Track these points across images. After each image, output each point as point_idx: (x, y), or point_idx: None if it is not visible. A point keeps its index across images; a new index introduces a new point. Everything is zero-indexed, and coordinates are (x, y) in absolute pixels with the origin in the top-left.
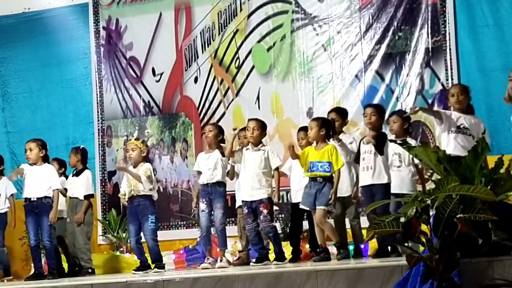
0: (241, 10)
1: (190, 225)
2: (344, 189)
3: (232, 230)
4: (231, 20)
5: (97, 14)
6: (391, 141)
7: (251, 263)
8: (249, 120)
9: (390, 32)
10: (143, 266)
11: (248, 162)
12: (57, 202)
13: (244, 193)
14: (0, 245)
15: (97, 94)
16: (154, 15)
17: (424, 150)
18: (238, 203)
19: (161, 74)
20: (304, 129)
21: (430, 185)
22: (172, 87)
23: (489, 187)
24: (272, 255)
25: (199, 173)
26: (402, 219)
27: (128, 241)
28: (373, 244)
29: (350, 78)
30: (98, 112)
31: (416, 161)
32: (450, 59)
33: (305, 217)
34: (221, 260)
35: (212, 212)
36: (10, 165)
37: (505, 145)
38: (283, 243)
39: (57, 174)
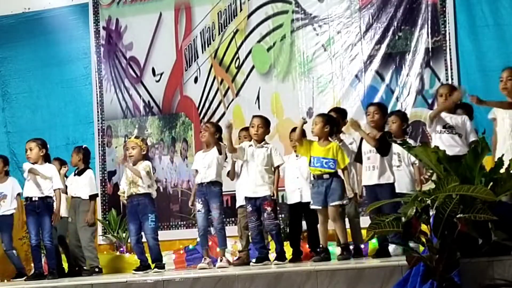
0: (241, 10)
1: (190, 225)
2: None
3: (232, 230)
4: (231, 20)
5: (97, 14)
6: (391, 140)
7: (251, 263)
8: (254, 117)
9: (390, 32)
10: (143, 266)
11: (251, 158)
12: (59, 202)
13: (247, 190)
14: (9, 248)
15: (97, 94)
16: (154, 15)
17: (424, 150)
18: (239, 203)
19: (161, 74)
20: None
21: (430, 185)
22: (172, 87)
23: (489, 187)
24: (272, 255)
25: (197, 171)
26: (402, 219)
27: (128, 241)
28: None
29: (350, 78)
30: (98, 112)
31: (412, 159)
32: (450, 59)
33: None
34: (221, 260)
35: (210, 212)
36: (10, 165)
37: None
38: (284, 243)
39: (58, 173)
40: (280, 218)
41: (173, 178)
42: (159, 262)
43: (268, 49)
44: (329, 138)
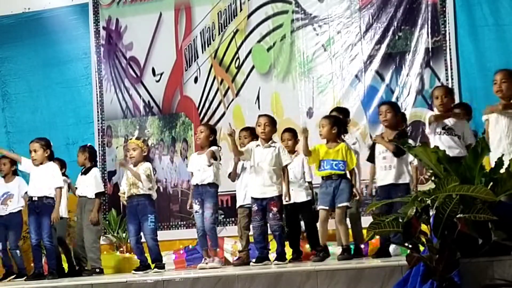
0: (241, 10)
1: (190, 225)
2: None
3: (232, 230)
4: (231, 20)
5: (97, 14)
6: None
7: (251, 263)
8: (260, 116)
9: (390, 32)
10: (143, 266)
11: (259, 159)
12: (59, 201)
13: (254, 191)
14: (14, 247)
15: (97, 94)
16: (154, 15)
17: (424, 150)
18: (239, 203)
19: (161, 74)
20: (289, 130)
21: (430, 185)
22: (172, 87)
23: (489, 187)
24: (272, 255)
25: (192, 173)
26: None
27: (128, 241)
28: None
29: (350, 78)
30: (98, 112)
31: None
32: (450, 59)
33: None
34: (213, 260)
35: None
36: None
37: None
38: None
39: (59, 172)
40: None
41: (173, 178)
42: (159, 262)
43: (268, 49)
44: (337, 140)
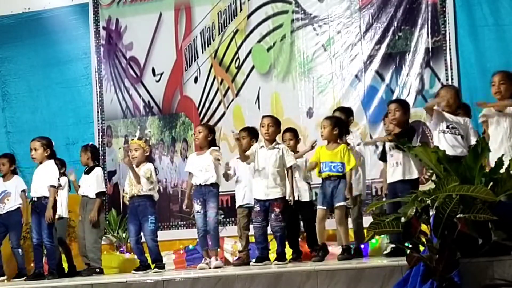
0: (241, 10)
1: (190, 225)
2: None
3: (232, 230)
4: (231, 20)
5: (97, 14)
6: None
7: (251, 263)
8: (264, 117)
9: (390, 32)
10: (143, 266)
11: (262, 160)
12: (52, 200)
13: (258, 192)
14: (15, 246)
15: (97, 94)
16: (154, 15)
17: (424, 150)
18: (238, 203)
19: (161, 74)
20: (290, 130)
21: (430, 185)
22: (172, 87)
23: (489, 187)
24: (272, 255)
25: (191, 174)
26: (402, 219)
27: (128, 241)
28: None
29: (350, 78)
30: (98, 112)
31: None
32: (450, 59)
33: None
34: (216, 260)
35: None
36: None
37: None
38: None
39: (56, 171)
40: None
41: (173, 178)
42: (159, 262)
43: (268, 49)
44: (338, 141)
